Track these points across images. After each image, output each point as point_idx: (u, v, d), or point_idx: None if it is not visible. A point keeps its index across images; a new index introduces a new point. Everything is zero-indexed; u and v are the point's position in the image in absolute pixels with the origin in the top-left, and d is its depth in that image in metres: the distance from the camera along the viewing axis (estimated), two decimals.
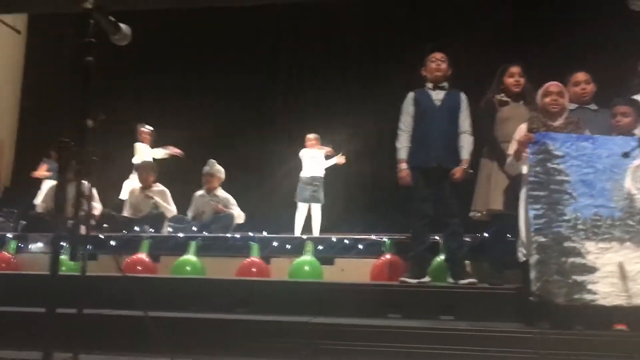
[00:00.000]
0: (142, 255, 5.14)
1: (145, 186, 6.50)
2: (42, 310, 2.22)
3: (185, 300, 4.12)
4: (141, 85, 8.75)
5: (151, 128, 7.52)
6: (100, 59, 2.31)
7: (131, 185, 6.97)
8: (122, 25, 2.42)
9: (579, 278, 3.36)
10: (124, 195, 7.02)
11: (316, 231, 6.91)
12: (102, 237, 5.38)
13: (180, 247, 5.29)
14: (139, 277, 4.65)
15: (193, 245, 5.21)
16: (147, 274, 4.92)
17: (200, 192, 6.56)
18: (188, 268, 5.02)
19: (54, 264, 2.23)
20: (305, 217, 7.15)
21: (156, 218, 6.24)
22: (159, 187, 6.57)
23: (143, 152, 7.34)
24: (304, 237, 5.36)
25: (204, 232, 5.82)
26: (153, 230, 6.02)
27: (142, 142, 7.45)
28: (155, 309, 3.74)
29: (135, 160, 7.35)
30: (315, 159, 7.24)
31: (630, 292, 3.30)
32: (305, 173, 7.18)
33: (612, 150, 3.53)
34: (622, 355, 3.07)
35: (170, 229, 6.15)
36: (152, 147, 7.48)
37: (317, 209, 7.10)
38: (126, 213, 6.42)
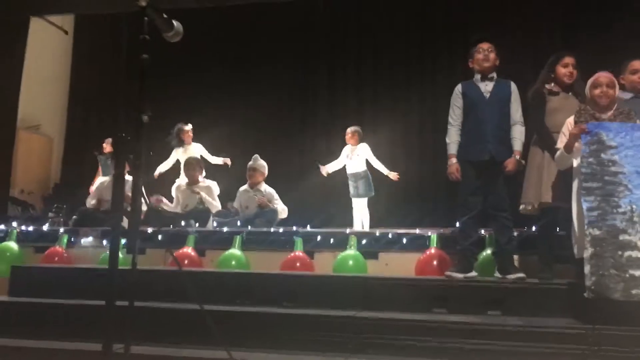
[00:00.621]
0: (189, 250, 5.21)
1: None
2: (100, 303, 2.28)
3: (230, 294, 4.15)
4: (185, 83, 8.85)
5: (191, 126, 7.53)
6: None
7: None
8: (174, 22, 2.45)
9: (637, 272, 3.27)
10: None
11: (358, 226, 6.87)
12: (150, 231, 5.48)
13: (225, 242, 5.34)
14: (186, 271, 4.71)
15: (238, 239, 5.25)
16: (193, 268, 4.99)
17: (244, 187, 6.62)
18: (233, 262, 5.07)
19: (113, 257, 2.28)
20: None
21: (202, 213, 6.32)
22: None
23: (190, 151, 7.38)
24: (347, 231, 5.34)
25: (249, 227, 5.87)
26: (198, 225, 6.10)
27: (186, 141, 7.47)
28: (203, 302, 3.82)
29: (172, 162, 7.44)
30: (353, 154, 7.15)
31: None
32: (348, 169, 7.14)
33: None
34: None
35: (215, 224, 6.23)
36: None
37: (362, 204, 7.06)
38: (173, 208, 6.52)
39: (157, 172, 7.35)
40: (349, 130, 7.19)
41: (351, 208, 7.14)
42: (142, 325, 3.06)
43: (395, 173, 7.06)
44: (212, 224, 6.28)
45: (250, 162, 6.72)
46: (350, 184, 7.09)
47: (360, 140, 7.13)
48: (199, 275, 4.57)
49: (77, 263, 5.36)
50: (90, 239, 5.76)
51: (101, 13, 8.38)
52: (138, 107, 2.16)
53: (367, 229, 6.68)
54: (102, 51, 9.28)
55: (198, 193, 6.46)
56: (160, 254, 5.28)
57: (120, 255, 4.82)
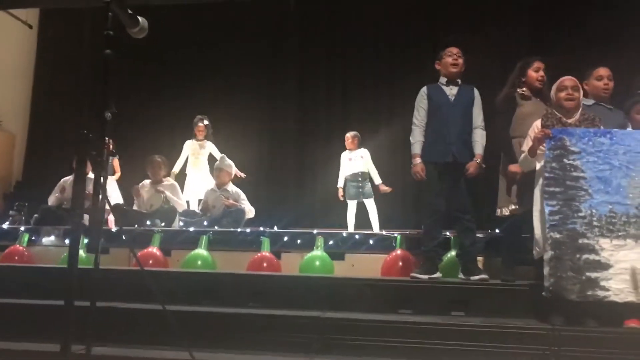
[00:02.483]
0: (153, 249, 5.15)
1: (156, 181, 6.52)
2: (59, 303, 2.23)
3: (195, 294, 4.12)
4: (183, 82, 8.74)
5: (207, 122, 7.40)
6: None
7: (193, 185, 6.99)
8: (140, 18, 2.42)
9: (593, 275, 3.35)
10: (187, 196, 7.02)
11: (375, 226, 6.88)
12: (114, 230, 5.40)
13: (191, 241, 5.29)
14: (151, 271, 4.66)
15: (204, 239, 5.21)
16: (158, 268, 4.93)
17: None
18: (199, 262, 5.03)
19: (72, 256, 2.23)
20: (356, 213, 7.14)
21: (167, 212, 6.25)
22: (169, 181, 6.61)
23: (200, 147, 7.28)
24: (314, 232, 5.35)
25: (215, 227, 5.83)
26: (164, 224, 6.04)
27: (197, 135, 7.37)
28: (167, 302, 3.77)
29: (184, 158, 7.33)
30: (355, 157, 7.19)
31: None
32: (348, 171, 7.15)
33: (630, 147, 3.50)
34: (634, 352, 3.05)
35: (181, 223, 6.17)
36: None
37: (370, 204, 7.07)
38: (137, 207, 6.44)
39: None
40: (348, 135, 7.26)
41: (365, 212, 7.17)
42: (105, 325, 3.02)
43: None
44: (178, 223, 6.22)
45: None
46: (352, 185, 7.09)
47: (360, 145, 7.20)
48: (164, 275, 4.53)
49: (39, 262, 5.25)
50: (52, 237, 5.65)
51: (66, 8, 8.23)
52: (101, 104, 2.12)
53: (376, 230, 6.70)
54: (67, 46, 9.11)
55: (162, 192, 6.39)
56: (125, 253, 5.21)
57: (84, 254, 4.81)
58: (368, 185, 7.08)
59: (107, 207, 5.81)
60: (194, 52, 8.71)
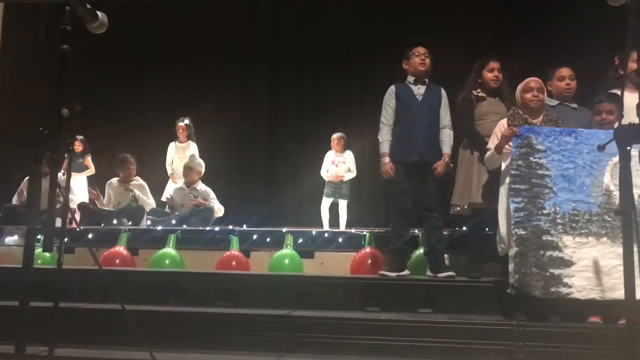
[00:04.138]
0: (120, 248, 5.08)
1: (125, 179, 6.43)
2: (15, 304, 2.18)
3: (163, 294, 4.08)
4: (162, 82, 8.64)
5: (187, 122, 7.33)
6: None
7: (175, 185, 6.89)
8: (99, 13, 2.37)
9: (556, 271, 3.41)
10: (165, 196, 6.92)
11: (342, 227, 6.89)
12: (79, 230, 5.30)
13: (159, 240, 5.24)
14: (116, 270, 4.60)
15: (172, 238, 5.16)
16: (125, 267, 4.86)
17: (179, 185, 6.53)
18: (167, 261, 4.98)
19: (27, 256, 2.18)
20: (330, 209, 7.15)
21: (135, 211, 6.17)
22: (138, 180, 6.53)
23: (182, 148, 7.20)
24: (284, 230, 5.34)
25: (184, 225, 5.78)
26: (131, 223, 5.96)
27: (179, 137, 7.29)
28: (134, 302, 3.73)
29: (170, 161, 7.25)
30: (339, 162, 7.20)
31: (605, 286, 3.34)
32: (330, 173, 7.16)
33: (594, 147, 3.55)
34: (596, 347, 3.12)
35: (149, 222, 6.10)
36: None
37: (342, 205, 7.10)
38: (105, 206, 6.34)
39: (172, 173, 7.21)
40: (334, 136, 7.24)
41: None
42: (68, 326, 2.97)
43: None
44: (145, 222, 6.14)
45: (187, 161, 6.64)
46: (330, 184, 7.11)
47: (346, 147, 7.20)
48: (131, 274, 4.48)
49: (1, 262, 5.12)
50: (15, 237, 5.52)
51: (24, 2, 8.04)
52: (58, 100, 2.08)
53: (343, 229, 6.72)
54: (28, 42, 8.88)
55: (131, 191, 6.31)
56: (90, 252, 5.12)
57: (48, 254, 4.71)
58: (346, 188, 7.10)
59: (73, 206, 5.77)
60: (165, 52, 8.59)
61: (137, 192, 6.33)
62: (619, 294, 2.96)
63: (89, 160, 7.36)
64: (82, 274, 3.97)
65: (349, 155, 7.19)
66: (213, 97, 8.41)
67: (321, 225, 6.87)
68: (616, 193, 3.49)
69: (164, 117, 7.83)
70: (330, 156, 7.24)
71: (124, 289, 3.98)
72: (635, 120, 3.51)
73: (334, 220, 7.03)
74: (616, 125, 3.78)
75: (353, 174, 7.14)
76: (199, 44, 8.47)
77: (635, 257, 3.28)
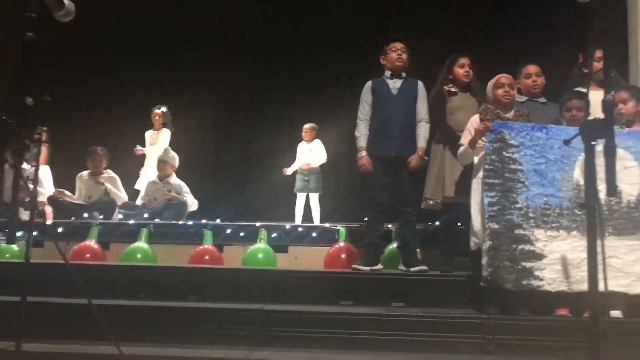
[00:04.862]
0: (91, 243, 5.01)
1: (96, 172, 6.33)
2: None
3: (135, 288, 4.04)
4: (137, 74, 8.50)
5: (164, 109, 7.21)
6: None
7: (148, 175, 6.78)
8: (65, 0, 2.32)
9: (528, 264, 3.45)
10: (138, 185, 6.82)
11: (315, 222, 6.88)
12: (49, 223, 5.21)
13: (131, 234, 5.18)
14: (87, 265, 4.54)
15: (144, 232, 5.11)
16: (95, 262, 4.79)
17: (152, 179, 6.45)
18: (139, 255, 4.93)
19: None
20: (304, 206, 7.16)
21: (106, 205, 6.09)
22: (109, 173, 6.43)
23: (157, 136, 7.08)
24: (258, 224, 5.31)
25: (156, 219, 5.71)
26: (103, 217, 5.87)
27: (155, 125, 7.17)
28: (105, 297, 3.69)
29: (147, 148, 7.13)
30: (308, 150, 7.19)
31: (574, 278, 3.39)
32: (300, 163, 7.14)
33: (562, 142, 3.61)
34: (564, 339, 3.16)
35: (120, 216, 6.02)
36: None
37: (313, 199, 7.10)
38: (75, 199, 6.23)
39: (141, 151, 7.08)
40: (305, 126, 7.24)
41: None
42: (36, 321, 2.92)
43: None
44: (117, 216, 6.06)
45: (161, 154, 6.55)
46: (299, 177, 7.11)
47: (315, 137, 7.18)
48: (101, 269, 4.42)
49: None
50: None
51: None
52: (20, 89, 2.02)
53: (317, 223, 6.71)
54: None
55: (102, 184, 6.22)
56: (61, 247, 5.01)
57: (16, 247, 4.62)
58: (314, 180, 7.10)
59: (42, 199, 5.65)
60: (139, 42, 8.47)
61: (108, 185, 6.24)
62: (587, 286, 3.00)
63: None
64: (49, 268, 3.90)
65: (316, 143, 7.20)
66: (187, 88, 8.31)
67: (294, 220, 6.87)
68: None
69: (138, 108, 7.71)
70: (300, 146, 7.25)
71: (94, 283, 3.92)
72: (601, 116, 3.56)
73: (308, 216, 7.03)
74: None
75: (322, 160, 7.15)
76: (173, 34, 8.38)
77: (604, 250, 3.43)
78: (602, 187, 2.10)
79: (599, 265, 2.02)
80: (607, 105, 2.03)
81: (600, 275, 1.98)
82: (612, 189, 1.96)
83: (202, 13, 8.40)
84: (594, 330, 2.01)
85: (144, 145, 7.17)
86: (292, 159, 7.43)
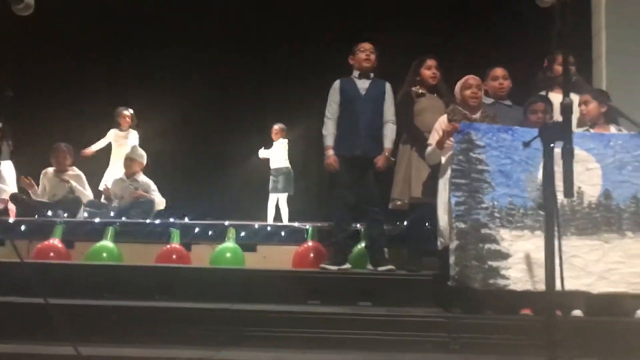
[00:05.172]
0: (55, 241, 4.91)
1: (61, 169, 6.21)
2: None
3: (100, 288, 3.98)
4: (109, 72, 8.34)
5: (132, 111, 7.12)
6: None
7: (114, 174, 6.65)
8: None
9: (494, 264, 3.50)
10: (103, 185, 6.68)
11: (284, 221, 6.86)
12: (11, 221, 5.10)
13: (96, 233, 5.10)
14: (49, 264, 4.46)
15: (110, 230, 5.03)
16: (58, 261, 4.70)
17: (119, 176, 6.35)
18: (104, 255, 4.86)
19: None
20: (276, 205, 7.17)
21: (71, 202, 5.98)
22: (75, 170, 6.31)
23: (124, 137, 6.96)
24: (226, 223, 5.28)
25: (123, 218, 5.63)
26: (67, 215, 5.76)
27: (122, 125, 7.05)
28: (68, 296, 3.64)
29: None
30: (276, 150, 7.19)
31: (538, 277, 3.44)
32: (271, 165, 7.11)
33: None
34: (526, 338, 3.20)
35: (86, 214, 5.91)
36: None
37: (281, 199, 7.09)
38: (39, 197, 6.10)
39: (89, 150, 6.93)
40: (275, 127, 7.20)
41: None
42: None
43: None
44: (82, 214, 5.95)
45: (128, 152, 6.46)
46: (270, 178, 7.08)
47: (283, 137, 7.16)
48: (65, 268, 4.35)
49: None
50: None
51: None
52: None
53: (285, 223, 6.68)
54: None
55: (67, 181, 6.11)
56: (23, 245, 4.93)
57: None
58: (282, 181, 7.09)
59: (5, 196, 5.52)
60: (106, 38, 8.34)
61: (73, 182, 6.12)
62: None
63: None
64: (6, 267, 3.81)
65: (280, 143, 7.21)
66: (156, 85, 8.22)
67: (264, 219, 6.84)
68: None
69: (104, 105, 7.59)
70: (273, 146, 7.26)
71: (57, 282, 3.87)
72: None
73: (277, 216, 7.03)
74: None
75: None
76: (141, 30, 8.26)
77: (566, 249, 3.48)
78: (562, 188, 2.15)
79: (557, 264, 2.05)
80: (566, 108, 2.06)
81: (561, 275, 2.01)
82: (570, 191, 2.00)
83: (171, 9, 8.31)
84: (549, 327, 2.04)
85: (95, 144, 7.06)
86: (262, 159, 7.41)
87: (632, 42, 4.70)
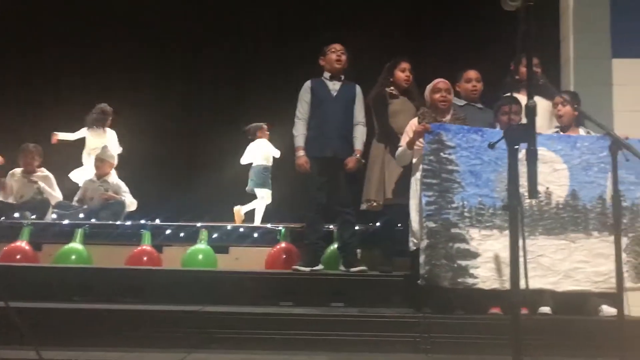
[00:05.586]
0: (22, 243, 4.82)
1: (29, 170, 6.10)
2: None
3: (69, 291, 3.94)
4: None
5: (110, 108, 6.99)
6: None
7: (85, 173, 6.51)
8: None
9: (463, 263, 3.54)
10: (74, 176, 6.56)
11: (257, 221, 6.81)
12: None
13: (65, 235, 5.02)
14: (16, 266, 4.38)
15: (79, 232, 4.96)
16: (25, 263, 4.61)
17: (90, 177, 6.26)
18: (73, 257, 4.79)
19: None
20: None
21: (39, 204, 5.88)
22: (43, 172, 6.21)
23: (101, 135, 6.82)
24: (198, 225, 5.24)
25: (92, 220, 5.55)
26: (35, 217, 5.66)
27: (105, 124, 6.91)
28: (36, 299, 3.60)
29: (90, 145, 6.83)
30: (255, 150, 7.13)
31: (506, 276, 3.48)
32: (253, 163, 7.08)
33: (498, 144, 3.71)
34: (495, 337, 3.24)
35: (54, 216, 5.82)
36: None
37: (259, 195, 7.03)
38: (5, 198, 5.98)
39: (58, 137, 6.76)
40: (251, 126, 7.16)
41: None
42: None
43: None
44: (51, 216, 5.85)
45: (99, 152, 6.37)
46: (249, 177, 7.03)
47: (264, 136, 7.13)
48: (32, 270, 4.28)
49: None
50: None
51: None
52: None
53: (258, 222, 6.64)
54: None
55: (35, 182, 6.00)
56: None
57: None
58: (255, 181, 7.05)
59: None
60: (79, 36, 8.21)
61: (41, 184, 6.02)
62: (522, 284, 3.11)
63: None
64: None
65: (259, 142, 7.18)
66: (128, 84, 8.12)
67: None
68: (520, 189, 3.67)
69: (74, 105, 7.46)
70: (251, 145, 7.22)
71: (25, 285, 3.81)
72: (537, 121, 3.68)
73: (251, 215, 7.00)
74: None
75: (275, 154, 7.14)
76: (115, 28, 8.16)
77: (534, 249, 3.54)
78: None
79: (522, 264, 2.08)
80: (529, 111, 2.10)
81: (526, 273, 2.04)
82: (534, 191, 2.03)
83: (144, 7, 8.22)
84: (514, 326, 2.07)
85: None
86: (234, 157, 7.34)
87: (599, 47, 4.79)
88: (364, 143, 4.45)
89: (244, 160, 7.17)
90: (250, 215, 7.05)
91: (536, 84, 3.86)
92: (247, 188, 7.09)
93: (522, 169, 2.13)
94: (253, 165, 7.11)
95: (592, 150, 3.72)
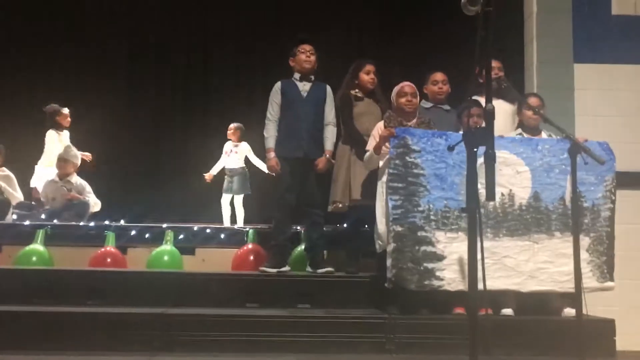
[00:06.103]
0: None
1: None
2: None
3: (29, 293, 3.86)
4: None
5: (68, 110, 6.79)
6: None
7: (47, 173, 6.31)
8: None
9: (429, 265, 3.57)
10: (34, 182, 6.32)
11: (227, 222, 6.70)
12: None
13: (26, 236, 4.91)
14: None
15: (40, 233, 4.86)
16: None
17: (52, 178, 6.13)
18: (34, 258, 4.68)
19: None
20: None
21: (0, 204, 5.73)
22: (4, 171, 6.05)
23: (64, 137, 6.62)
24: (164, 225, 5.17)
25: (54, 220, 5.43)
26: None
27: (63, 125, 6.68)
28: None
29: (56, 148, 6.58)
30: (231, 151, 7.03)
31: None
32: (227, 165, 6.98)
33: (462, 147, 3.75)
34: (459, 336, 3.28)
35: (15, 216, 5.68)
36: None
37: (236, 200, 6.94)
38: None
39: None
40: (231, 126, 7.05)
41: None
42: None
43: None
44: (11, 216, 5.71)
45: (61, 152, 6.23)
46: (225, 179, 6.94)
47: (242, 138, 7.02)
48: None
49: None
50: None
51: None
52: None
53: (239, 225, 6.55)
54: None
55: None
56: None
57: None
58: (237, 182, 6.98)
59: None
60: (42, 33, 8.03)
61: (2, 183, 5.87)
62: (480, 285, 3.14)
63: None
64: None
65: (244, 146, 7.10)
66: (94, 82, 7.98)
67: (204, 221, 6.72)
68: (482, 191, 3.71)
69: (37, 104, 7.29)
70: (226, 147, 7.14)
71: None
72: (500, 125, 3.74)
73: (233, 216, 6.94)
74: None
75: (257, 162, 7.06)
76: (80, 25, 8.01)
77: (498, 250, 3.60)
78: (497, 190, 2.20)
79: (480, 265, 2.12)
80: (488, 114, 2.13)
81: (483, 275, 2.07)
82: (491, 194, 2.06)
83: (111, 6, 8.10)
84: (471, 326, 2.10)
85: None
86: (203, 157, 7.26)
87: (561, 52, 4.89)
88: (334, 143, 4.46)
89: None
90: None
91: (499, 88, 3.91)
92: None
93: (483, 172, 2.16)
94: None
95: (553, 152, 3.80)
